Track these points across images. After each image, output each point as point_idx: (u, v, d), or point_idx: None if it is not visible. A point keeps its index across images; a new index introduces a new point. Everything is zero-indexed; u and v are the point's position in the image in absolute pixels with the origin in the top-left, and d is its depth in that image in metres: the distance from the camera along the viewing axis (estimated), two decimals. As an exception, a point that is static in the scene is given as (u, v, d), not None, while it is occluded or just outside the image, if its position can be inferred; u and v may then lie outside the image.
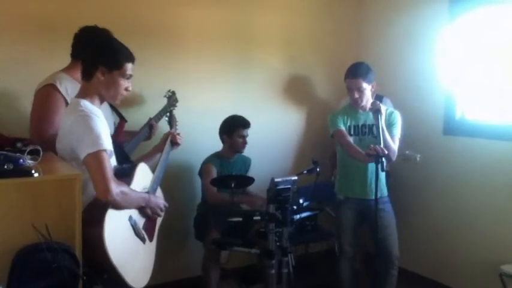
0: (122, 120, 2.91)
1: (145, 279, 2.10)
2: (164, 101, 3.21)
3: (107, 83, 2.03)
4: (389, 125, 3.01)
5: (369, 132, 3.06)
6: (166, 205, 2.26)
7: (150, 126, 3.01)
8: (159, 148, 2.49)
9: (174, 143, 2.50)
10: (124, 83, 2.07)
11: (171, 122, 2.82)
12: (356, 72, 3.00)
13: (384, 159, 2.65)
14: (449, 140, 3.59)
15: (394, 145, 2.96)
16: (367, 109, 3.00)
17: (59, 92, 2.39)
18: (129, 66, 2.07)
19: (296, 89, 4.12)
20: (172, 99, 3.28)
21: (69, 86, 2.42)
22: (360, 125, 3.05)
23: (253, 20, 3.80)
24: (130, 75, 2.08)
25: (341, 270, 3.25)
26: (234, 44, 3.73)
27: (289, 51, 4.03)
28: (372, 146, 2.74)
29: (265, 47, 3.89)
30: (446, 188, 3.62)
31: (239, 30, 3.75)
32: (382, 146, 2.71)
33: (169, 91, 3.30)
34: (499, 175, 3.27)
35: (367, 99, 3.05)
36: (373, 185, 2.96)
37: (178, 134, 2.56)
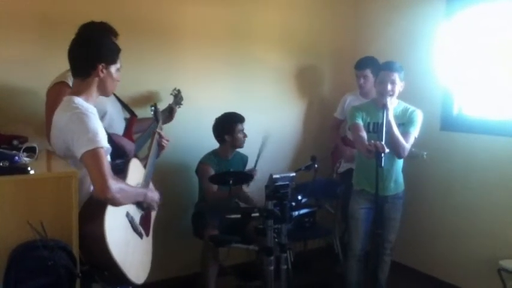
0: (133, 116, 2.90)
1: (145, 273, 2.12)
2: (170, 99, 3.24)
3: (105, 79, 2.04)
4: (407, 122, 3.00)
5: (388, 131, 3.01)
6: (161, 199, 2.26)
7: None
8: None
9: (159, 145, 2.47)
10: (118, 76, 2.11)
11: (157, 117, 2.71)
12: (392, 66, 2.97)
13: (382, 155, 2.64)
14: (446, 135, 3.59)
15: (405, 142, 2.93)
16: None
17: (71, 89, 2.36)
18: (120, 59, 2.11)
19: (295, 86, 4.11)
20: (178, 97, 3.30)
21: None
22: (379, 123, 2.96)
23: (252, 17, 3.78)
24: (121, 67, 2.13)
25: (349, 271, 3.18)
26: (232, 41, 3.70)
27: (288, 48, 4.01)
28: (372, 142, 2.73)
29: (264, 44, 3.87)
30: (443, 183, 3.62)
31: (238, 27, 3.73)
32: (383, 142, 2.70)
33: (174, 89, 3.32)
34: (497, 171, 3.26)
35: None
36: (388, 181, 3.00)
37: (165, 138, 2.50)
